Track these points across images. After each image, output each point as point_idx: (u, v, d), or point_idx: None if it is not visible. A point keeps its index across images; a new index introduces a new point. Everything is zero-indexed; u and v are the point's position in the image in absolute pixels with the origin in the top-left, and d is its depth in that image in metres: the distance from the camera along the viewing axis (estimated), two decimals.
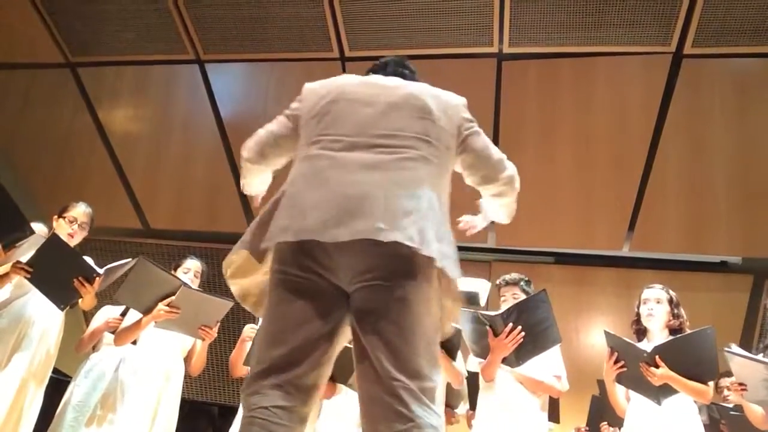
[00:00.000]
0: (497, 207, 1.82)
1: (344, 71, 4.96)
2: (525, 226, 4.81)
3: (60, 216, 3.16)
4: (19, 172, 5.68)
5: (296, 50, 5.00)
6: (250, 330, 3.13)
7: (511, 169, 1.70)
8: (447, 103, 1.64)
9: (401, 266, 1.40)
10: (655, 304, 2.83)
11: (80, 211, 3.19)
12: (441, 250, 1.41)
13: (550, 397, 2.91)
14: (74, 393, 3.37)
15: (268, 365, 1.42)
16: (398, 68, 1.80)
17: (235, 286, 1.63)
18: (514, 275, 3.06)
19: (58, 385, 3.49)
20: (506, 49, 4.68)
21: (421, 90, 1.64)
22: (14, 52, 5.49)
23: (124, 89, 5.56)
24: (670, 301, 2.83)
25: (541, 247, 5.15)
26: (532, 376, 2.79)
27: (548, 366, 2.82)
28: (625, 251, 4.93)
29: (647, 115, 4.62)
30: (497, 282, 3.13)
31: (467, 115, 1.66)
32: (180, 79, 5.45)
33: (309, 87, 1.70)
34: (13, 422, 2.84)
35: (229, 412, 4.61)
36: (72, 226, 3.13)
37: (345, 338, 1.52)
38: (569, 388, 2.88)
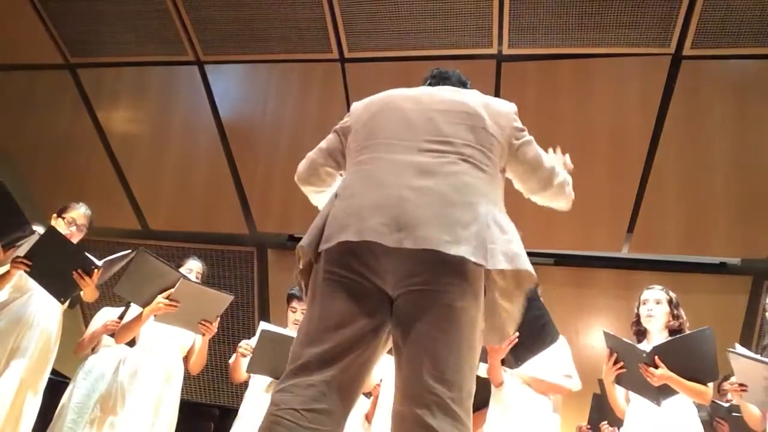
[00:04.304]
0: (550, 205, 1.84)
1: (344, 72, 4.96)
2: (524, 228, 4.75)
3: (59, 216, 3.15)
4: (18, 173, 5.67)
5: (296, 51, 4.99)
6: (245, 345, 3.12)
7: (560, 177, 1.72)
8: (497, 111, 1.63)
9: (450, 272, 1.37)
10: (654, 304, 2.83)
11: (80, 212, 3.18)
12: (509, 255, 1.40)
13: None
14: (73, 394, 3.38)
15: (303, 362, 1.38)
16: (446, 78, 1.82)
17: None
18: None
19: (56, 387, 3.48)
20: (506, 51, 4.68)
21: (471, 98, 1.63)
22: (13, 53, 5.48)
23: (123, 90, 5.55)
24: (670, 302, 2.83)
25: (541, 249, 5.14)
26: (537, 376, 2.79)
27: (556, 366, 2.82)
28: (624, 252, 4.93)
29: (646, 117, 4.61)
30: None
31: (518, 123, 1.66)
32: (179, 80, 5.44)
33: (356, 103, 1.72)
34: (11, 424, 2.83)
35: (230, 414, 4.60)
36: (70, 227, 3.12)
37: (385, 344, 1.48)
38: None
